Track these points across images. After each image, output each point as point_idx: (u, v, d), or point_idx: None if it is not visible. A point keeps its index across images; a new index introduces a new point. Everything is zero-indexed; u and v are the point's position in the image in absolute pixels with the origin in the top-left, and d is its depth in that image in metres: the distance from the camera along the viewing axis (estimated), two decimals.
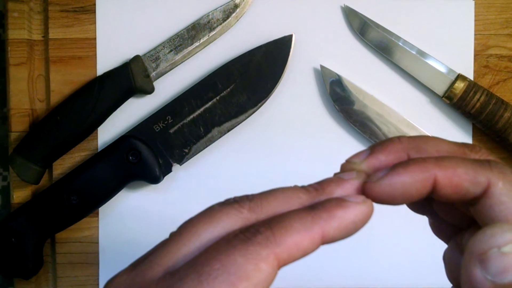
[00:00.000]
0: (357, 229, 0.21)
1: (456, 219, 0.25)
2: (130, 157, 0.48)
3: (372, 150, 0.23)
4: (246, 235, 0.20)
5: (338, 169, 0.24)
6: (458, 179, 0.21)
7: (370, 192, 0.22)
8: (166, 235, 0.23)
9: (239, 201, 0.21)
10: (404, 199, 0.22)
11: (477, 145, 0.24)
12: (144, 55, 0.50)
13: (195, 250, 0.20)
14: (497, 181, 0.21)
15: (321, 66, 0.51)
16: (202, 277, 0.19)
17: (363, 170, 0.23)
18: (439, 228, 0.26)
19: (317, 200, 0.22)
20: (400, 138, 0.23)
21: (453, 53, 0.51)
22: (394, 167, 0.22)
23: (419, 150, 0.23)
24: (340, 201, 0.21)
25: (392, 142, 0.23)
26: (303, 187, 0.22)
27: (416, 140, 0.23)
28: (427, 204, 0.26)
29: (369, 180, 0.22)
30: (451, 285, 0.26)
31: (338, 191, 0.22)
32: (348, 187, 0.22)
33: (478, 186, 0.21)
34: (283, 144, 0.52)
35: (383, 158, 0.23)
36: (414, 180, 0.21)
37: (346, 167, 0.23)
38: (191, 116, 0.50)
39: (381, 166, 0.23)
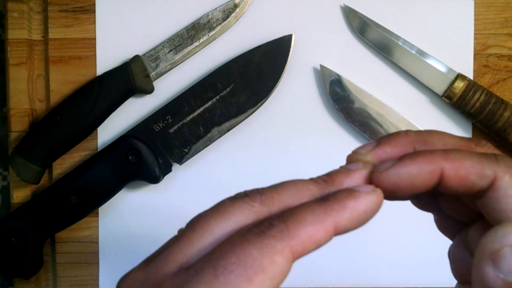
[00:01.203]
0: (369, 219, 0.21)
1: (461, 215, 0.25)
2: (130, 157, 0.48)
3: (378, 142, 0.23)
4: (260, 228, 0.20)
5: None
6: (465, 171, 0.21)
7: (376, 182, 0.22)
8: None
9: (249, 194, 0.21)
10: (410, 190, 0.22)
11: (483, 140, 0.24)
12: (144, 55, 0.50)
13: (209, 245, 0.20)
14: (503, 174, 0.21)
15: (321, 66, 0.51)
16: (218, 271, 0.19)
17: (369, 161, 0.23)
18: (444, 225, 0.26)
19: (327, 192, 0.22)
20: (407, 132, 0.24)
21: (453, 53, 0.51)
22: (401, 158, 0.22)
23: (425, 143, 0.23)
24: (350, 192, 0.21)
25: (399, 135, 0.23)
26: (312, 179, 0.22)
27: (423, 134, 0.23)
28: (433, 200, 0.26)
29: (375, 170, 0.22)
30: (452, 284, 0.26)
31: (347, 182, 0.22)
32: (356, 178, 0.22)
33: (485, 179, 0.21)
34: (283, 144, 0.52)
35: (389, 150, 0.23)
36: (421, 171, 0.21)
37: (353, 157, 0.23)
38: (191, 116, 0.50)
39: (387, 158, 0.23)
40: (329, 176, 0.22)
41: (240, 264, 0.19)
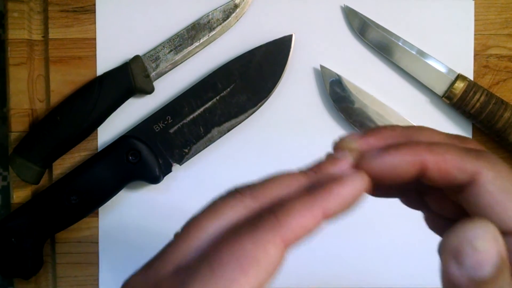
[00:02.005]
0: (356, 203, 0.22)
1: (448, 212, 0.25)
2: (130, 157, 0.48)
3: (365, 133, 0.24)
4: (252, 222, 0.21)
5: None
6: (446, 165, 0.22)
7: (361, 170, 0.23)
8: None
9: (240, 190, 0.22)
10: (393, 179, 0.23)
11: (470, 138, 0.24)
12: (144, 55, 0.50)
13: (203, 244, 0.21)
14: (484, 170, 0.22)
15: (321, 66, 0.51)
16: (213, 266, 0.19)
17: (355, 149, 0.24)
18: (434, 222, 0.27)
19: (315, 181, 0.23)
20: (394, 126, 0.24)
21: (453, 53, 0.51)
22: (386, 148, 0.23)
23: (411, 139, 0.24)
24: (336, 178, 0.22)
25: (386, 129, 0.24)
26: (301, 170, 0.23)
27: (410, 130, 0.24)
28: (420, 198, 0.26)
29: (361, 158, 0.23)
30: None
31: (334, 170, 0.23)
32: (343, 166, 0.23)
33: (465, 173, 0.22)
34: (283, 144, 0.52)
35: (375, 142, 0.24)
36: (404, 161, 0.22)
37: (339, 145, 0.24)
38: (191, 116, 0.50)
39: (373, 149, 0.23)
40: (317, 166, 0.23)
41: (234, 258, 0.19)
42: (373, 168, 0.22)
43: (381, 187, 0.24)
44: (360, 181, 0.22)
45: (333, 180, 0.22)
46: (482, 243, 0.19)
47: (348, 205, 0.22)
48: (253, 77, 0.50)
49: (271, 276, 0.20)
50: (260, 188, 0.22)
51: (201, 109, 0.50)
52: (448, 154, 0.22)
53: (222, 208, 0.22)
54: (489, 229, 0.20)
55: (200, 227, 0.21)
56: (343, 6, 0.52)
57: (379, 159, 0.22)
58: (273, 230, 0.20)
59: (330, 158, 0.24)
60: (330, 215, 0.21)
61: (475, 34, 0.52)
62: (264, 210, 0.21)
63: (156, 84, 0.51)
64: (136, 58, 0.50)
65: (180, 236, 0.22)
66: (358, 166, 0.23)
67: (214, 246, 0.20)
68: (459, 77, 0.49)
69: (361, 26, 0.51)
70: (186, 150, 0.50)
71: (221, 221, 0.21)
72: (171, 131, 0.49)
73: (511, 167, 0.22)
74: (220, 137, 0.50)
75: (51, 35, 0.51)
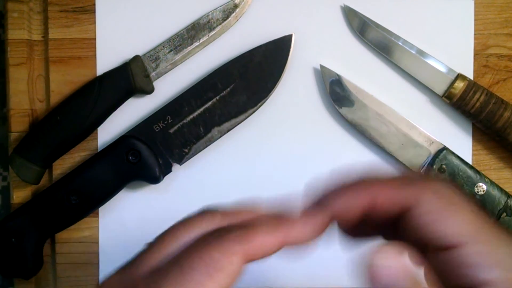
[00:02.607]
0: (314, 240, 0.25)
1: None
2: (130, 157, 0.48)
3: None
4: (221, 233, 0.23)
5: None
6: (382, 200, 0.25)
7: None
8: None
9: (212, 211, 0.25)
10: (348, 216, 0.25)
11: (412, 174, 0.29)
12: (144, 55, 0.50)
13: (176, 250, 0.24)
14: (419, 195, 0.24)
15: (321, 66, 0.51)
16: (184, 269, 0.22)
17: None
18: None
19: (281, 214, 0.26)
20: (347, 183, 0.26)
21: (453, 53, 0.51)
22: (339, 192, 0.26)
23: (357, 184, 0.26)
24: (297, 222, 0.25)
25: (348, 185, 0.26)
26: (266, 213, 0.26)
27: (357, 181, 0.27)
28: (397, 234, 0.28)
29: (322, 203, 0.26)
30: None
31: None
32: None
33: (401, 202, 0.24)
34: (283, 144, 0.52)
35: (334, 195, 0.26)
36: (353, 201, 0.25)
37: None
38: (191, 116, 0.50)
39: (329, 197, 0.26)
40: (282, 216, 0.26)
41: (203, 264, 0.22)
42: (332, 209, 0.25)
43: (358, 230, 0.26)
44: (319, 224, 0.25)
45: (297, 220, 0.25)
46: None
47: (305, 243, 0.24)
48: (253, 77, 0.50)
49: (232, 283, 0.22)
50: (230, 211, 0.25)
51: (201, 109, 0.50)
52: (381, 191, 0.25)
53: (195, 221, 0.25)
54: (389, 253, 0.22)
55: (172, 234, 0.24)
56: (343, 6, 0.51)
57: (336, 202, 0.25)
58: (240, 243, 0.22)
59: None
60: (288, 244, 0.24)
61: (475, 34, 0.52)
62: (233, 224, 0.24)
63: (156, 84, 0.51)
64: (136, 58, 0.50)
65: (155, 243, 0.24)
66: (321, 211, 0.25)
67: (185, 251, 0.23)
68: (459, 76, 0.49)
69: (361, 26, 0.51)
70: (186, 150, 0.50)
71: (193, 231, 0.24)
72: (171, 131, 0.49)
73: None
74: (220, 137, 0.50)
75: (51, 35, 0.51)
